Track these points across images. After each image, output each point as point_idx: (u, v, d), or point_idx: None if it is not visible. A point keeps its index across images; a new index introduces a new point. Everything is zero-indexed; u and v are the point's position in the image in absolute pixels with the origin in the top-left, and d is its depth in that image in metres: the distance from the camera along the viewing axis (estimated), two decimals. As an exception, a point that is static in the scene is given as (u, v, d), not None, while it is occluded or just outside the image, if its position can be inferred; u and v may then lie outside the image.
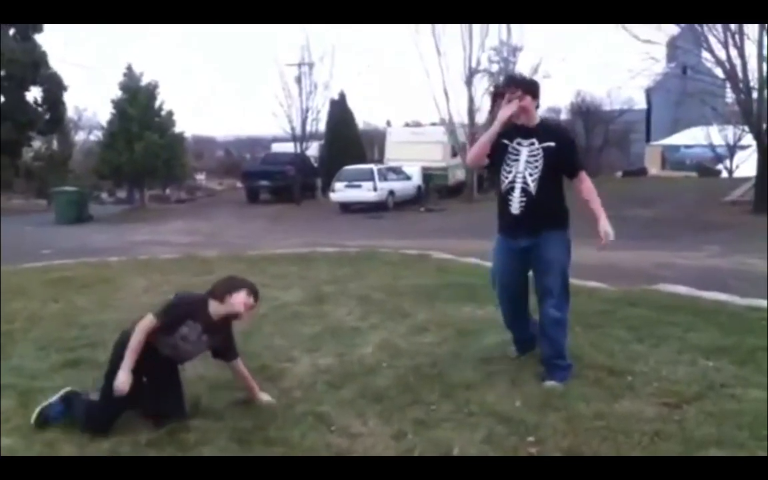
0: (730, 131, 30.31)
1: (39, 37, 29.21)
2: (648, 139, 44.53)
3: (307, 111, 27.12)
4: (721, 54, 17.35)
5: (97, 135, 34.67)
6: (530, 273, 4.28)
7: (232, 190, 33.20)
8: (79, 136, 45.08)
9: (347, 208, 22.23)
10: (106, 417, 3.57)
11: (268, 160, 29.72)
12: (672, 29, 18.65)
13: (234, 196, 29.77)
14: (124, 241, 15.88)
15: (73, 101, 53.56)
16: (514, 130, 4.13)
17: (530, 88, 4.15)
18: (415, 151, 25.64)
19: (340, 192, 22.62)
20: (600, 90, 42.18)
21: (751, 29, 16.77)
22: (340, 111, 29.87)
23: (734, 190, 21.22)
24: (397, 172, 24.18)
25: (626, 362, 4.29)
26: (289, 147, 28.64)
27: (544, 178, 4.02)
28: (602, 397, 3.77)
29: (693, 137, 35.66)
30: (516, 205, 4.07)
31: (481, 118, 25.82)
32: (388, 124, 36.57)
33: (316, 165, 29.91)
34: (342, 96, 29.99)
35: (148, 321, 3.60)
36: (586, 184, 4.18)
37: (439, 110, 25.69)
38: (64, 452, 3.30)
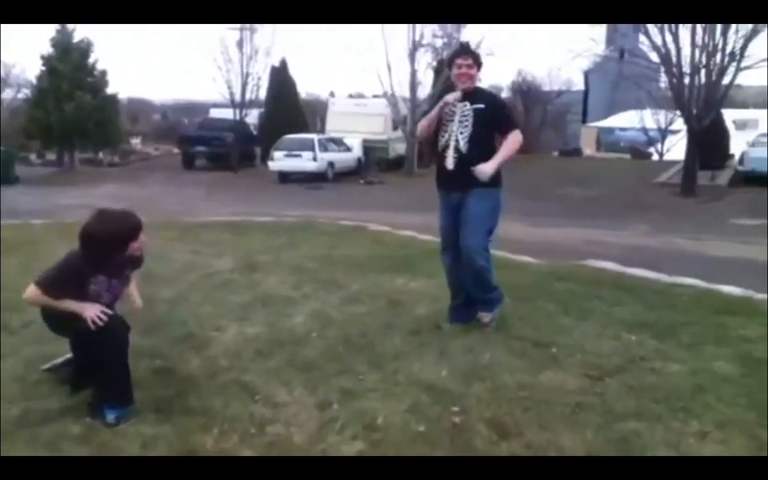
0: (662, 115, 31.22)
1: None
2: (584, 121, 45.51)
3: (247, 77, 26.51)
4: (657, 39, 17.78)
5: (25, 93, 33.01)
6: None
7: (169, 155, 32.23)
8: (6, 94, 42.87)
9: (286, 177, 21.91)
10: None
11: (206, 126, 28.94)
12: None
13: (170, 161, 28.91)
14: (51, 204, 15.27)
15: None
16: (449, 94, 4.49)
17: (478, 59, 4.51)
18: (356, 123, 25.41)
19: (279, 161, 22.24)
20: (541, 70, 42.75)
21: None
22: (281, 79, 29.32)
23: (664, 173, 21.93)
24: (338, 143, 23.94)
25: (552, 335, 4.35)
26: (228, 113, 27.98)
27: (474, 137, 4.35)
28: (527, 369, 3.81)
29: (627, 120, 36.61)
30: (450, 161, 4.42)
31: (423, 92, 25.85)
32: (332, 94, 36.15)
33: (255, 133, 29.35)
34: (284, 63, 29.44)
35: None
36: (508, 138, 4.39)
37: (381, 83, 25.55)
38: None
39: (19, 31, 77.13)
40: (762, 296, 5.42)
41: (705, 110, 17.72)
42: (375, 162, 25.01)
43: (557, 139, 42.73)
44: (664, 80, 22.01)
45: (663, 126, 32.00)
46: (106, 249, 3.38)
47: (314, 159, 21.80)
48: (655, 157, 32.91)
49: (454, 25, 26.12)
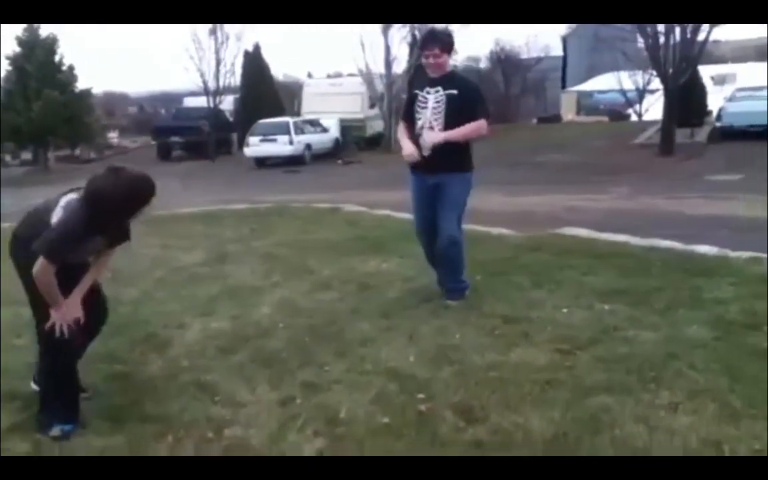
0: (639, 76, 31.10)
1: None
2: (564, 86, 45.34)
3: (219, 63, 26.09)
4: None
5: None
6: None
7: (146, 147, 31.73)
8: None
9: (263, 163, 21.64)
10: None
11: (180, 115, 28.54)
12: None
13: (147, 153, 28.45)
14: (22, 204, 14.93)
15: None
16: (423, 80, 4.55)
17: (446, 45, 4.44)
18: (332, 103, 25.10)
19: (255, 146, 21.93)
20: (518, 38, 42.55)
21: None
22: (255, 63, 28.87)
23: (642, 133, 21.86)
24: (314, 124, 23.65)
25: (523, 309, 4.26)
26: (202, 101, 27.58)
27: (447, 123, 4.34)
28: (497, 347, 3.71)
29: (606, 83, 36.47)
30: (426, 149, 4.40)
31: (399, 67, 25.57)
32: (309, 75, 35.78)
33: (231, 119, 28.98)
34: (257, 48, 28.97)
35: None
36: (475, 123, 4.36)
37: (356, 61, 25.24)
38: None
39: (-14, 30, 75.37)
40: (737, 254, 5.35)
41: (681, 68, 17.63)
42: (353, 141, 24.76)
43: (538, 107, 42.64)
44: (641, 40, 21.84)
45: (641, 86, 31.91)
46: (117, 213, 3.02)
47: (290, 142, 21.53)
48: (634, 118, 32.83)
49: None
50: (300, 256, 6.42)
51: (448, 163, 4.36)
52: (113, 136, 40.34)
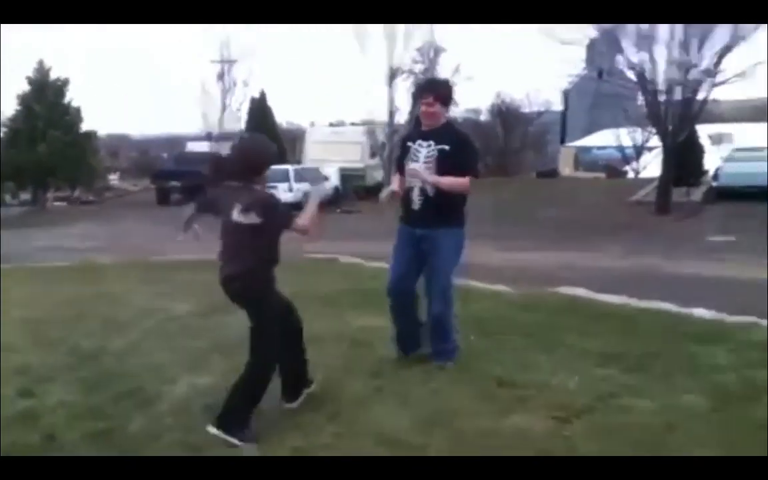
0: (638, 133, 31.39)
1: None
2: (563, 141, 45.76)
3: (225, 109, 26.41)
4: (634, 57, 17.85)
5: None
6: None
7: (148, 191, 31.80)
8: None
9: (262, 209, 21.68)
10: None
11: (181, 160, 28.70)
12: (591, 32, 19.04)
13: (147, 197, 28.51)
14: (18, 246, 14.88)
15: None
16: (417, 133, 4.49)
17: (442, 94, 4.39)
18: (334, 151, 25.31)
19: (254, 193, 22.01)
20: (519, 92, 43.12)
21: (662, 33, 17.29)
22: (259, 109, 29.21)
23: (639, 191, 21.95)
24: (315, 172, 23.80)
25: (519, 372, 4.17)
26: (204, 146, 27.79)
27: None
28: (492, 412, 3.61)
29: (605, 139, 36.83)
30: (416, 203, 4.34)
31: (402, 117, 25.86)
32: (312, 124, 36.14)
33: (233, 165, 29.13)
34: (263, 94, 29.35)
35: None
36: (463, 178, 4.25)
37: (359, 110, 25.55)
38: None
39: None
40: (734, 319, 5.30)
41: (680, 126, 17.79)
42: (352, 190, 24.86)
43: (537, 160, 42.97)
44: (641, 98, 22.13)
45: (639, 143, 32.20)
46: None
47: (290, 189, 21.60)
48: (631, 175, 33.07)
49: (433, 50, 26.24)
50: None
51: (438, 216, 4.25)
52: (114, 179, 40.55)
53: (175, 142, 46.96)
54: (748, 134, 32.57)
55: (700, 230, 13.80)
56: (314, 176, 23.49)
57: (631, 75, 19.41)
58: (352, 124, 28.59)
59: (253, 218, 3.46)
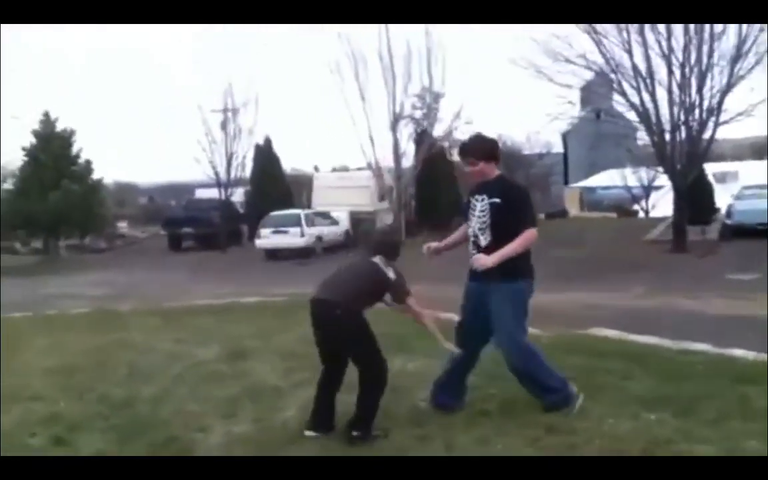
0: (643, 172, 31.49)
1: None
2: (566, 182, 45.92)
3: (231, 156, 26.53)
4: (635, 98, 17.95)
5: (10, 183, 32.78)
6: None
7: (156, 237, 31.87)
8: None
9: (274, 254, 21.64)
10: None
11: (191, 206, 28.81)
12: (586, 75, 19.17)
13: (157, 243, 28.59)
14: (33, 294, 14.84)
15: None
16: (476, 186, 4.45)
17: (478, 153, 4.37)
18: (342, 196, 25.38)
19: (266, 238, 22.00)
20: (519, 134, 43.30)
21: (662, 75, 17.45)
22: (265, 156, 29.32)
23: (653, 230, 21.87)
24: (325, 216, 23.83)
25: (566, 418, 4.04)
26: (213, 193, 27.88)
27: (492, 231, 4.24)
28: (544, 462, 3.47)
29: (609, 179, 36.94)
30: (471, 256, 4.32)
31: (407, 162, 25.94)
32: (316, 169, 36.33)
33: (241, 211, 29.22)
34: (268, 141, 29.50)
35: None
36: (523, 235, 4.19)
37: (365, 155, 25.61)
38: None
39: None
40: (777, 360, 5.17)
41: (689, 166, 17.80)
42: (363, 233, 24.85)
43: (543, 201, 43.02)
44: (641, 138, 22.22)
45: (646, 183, 32.27)
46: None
47: (302, 234, 21.60)
48: (641, 214, 33.07)
49: (433, 97, 26.47)
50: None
51: (491, 272, 4.15)
52: (123, 226, 40.70)
53: (181, 190, 47.29)
54: (751, 172, 32.72)
55: (720, 268, 13.65)
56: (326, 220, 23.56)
57: (631, 115, 19.48)
58: (359, 169, 28.67)
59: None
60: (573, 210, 36.83)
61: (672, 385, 4.55)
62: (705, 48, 16.79)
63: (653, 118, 17.89)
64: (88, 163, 28.24)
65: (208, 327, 8.20)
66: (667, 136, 17.99)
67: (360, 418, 4.05)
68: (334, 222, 24.07)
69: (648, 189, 32.65)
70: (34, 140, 27.57)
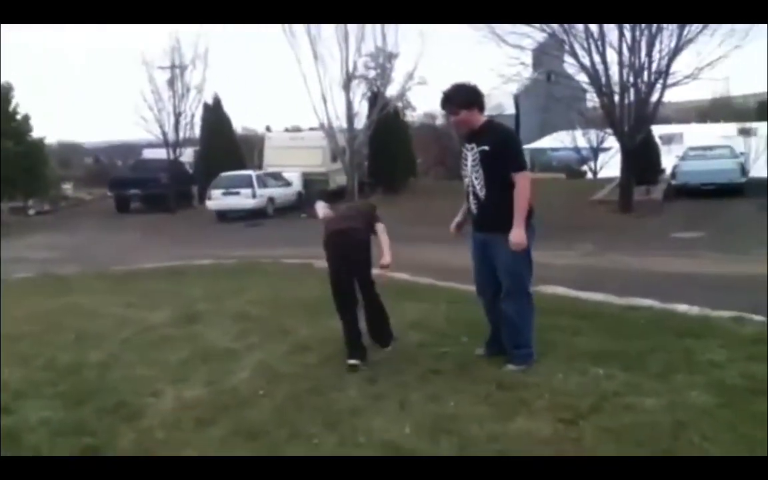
0: (593, 134, 31.97)
1: None
2: (518, 143, 46.20)
3: (179, 115, 25.80)
4: (585, 60, 18.11)
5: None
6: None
7: (102, 199, 30.93)
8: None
9: (225, 216, 21.30)
10: None
11: (139, 167, 28.00)
12: (539, 36, 19.22)
13: (104, 206, 27.75)
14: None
15: None
16: (466, 136, 4.41)
17: (461, 102, 4.31)
18: (294, 157, 25.03)
19: (217, 200, 21.60)
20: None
21: (613, 36, 17.62)
22: (215, 115, 28.64)
23: (600, 190, 22.30)
24: (277, 177, 23.49)
25: (517, 374, 4.10)
26: (162, 153, 27.15)
27: (487, 180, 4.22)
28: (495, 416, 3.54)
29: (559, 140, 37.40)
30: (473, 207, 4.37)
31: (360, 122, 25.71)
32: (268, 129, 35.66)
33: (191, 172, 28.58)
34: (217, 100, 28.78)
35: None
36: (517, 185, 4.16)
37: (317, 115, 25.26)
38: None
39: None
40: (718, 313, 5.35)
41: (636, 127, 18.12)
42: (315, 195, 24.64)
43: (495, 163, 43.31)
44: (591, 100, 22.50)
45: (595, 144, 32.78)
46: None
47: (253, 195, 21.29)
48: (589, 175, 33.63)
49: (386, 57, 26.22)
50: (275, 315, 6.20)
51: (494, 220, 4.21)
52: (68, 188, 39.41)
53: (128, 150, 45.99)
54: (695, 135, 33.64)
55: (665, 228, 14.02)
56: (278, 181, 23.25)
57: (582, 77, 19.66)
58: (311, 129, 28.25)
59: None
60: (523, 171, 37.11)
61: (620, 341, 4.66)
62: (655, 10, 16.96)
63: (603, 80, 18.11)
64: (26, 118, 27.04)
65: (159, 290, 8.05)
66: (616, 98, 18.27)
67: (381, 329, 4.93)
68: (287, 183, 23.77)
69: (596, 150, 33.18)
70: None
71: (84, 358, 4.99)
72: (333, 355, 4.80)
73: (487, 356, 4.50)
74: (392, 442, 3.30)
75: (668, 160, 23.91)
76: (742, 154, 23.34)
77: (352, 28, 24.02)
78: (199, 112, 27.03)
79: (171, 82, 25.81)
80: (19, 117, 26.93)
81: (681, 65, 17.73)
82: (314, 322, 5.80)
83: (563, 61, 21.88)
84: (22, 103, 27.54)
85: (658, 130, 27.52)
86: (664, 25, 16.88)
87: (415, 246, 10.53)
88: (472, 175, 4.27)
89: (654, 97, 18.23)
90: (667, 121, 40.31)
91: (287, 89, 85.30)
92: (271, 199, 21.95)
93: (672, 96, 27.02)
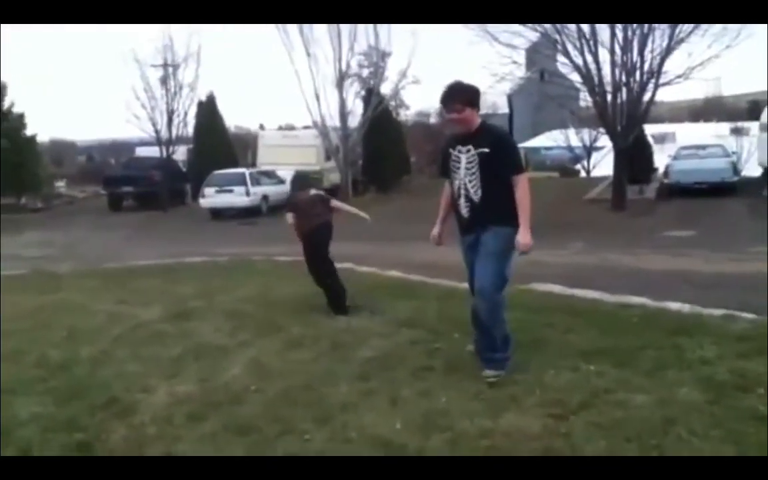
0: (586, 133, 32.04)
1: None
2: (511, 142, 46.22)
3: (172, 113, 25.72)
4: (578, 59, 18.15)
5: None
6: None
7: (95, 197, 30.84)
8: None
9: (218, 214, 21.26)
10: None
11: (132, 165, 27.93)
12: (531, 36, 19.26)
13: (96, 203, 27.69)
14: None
15: None
16: (455, 138, 4.28)
17: (468, 99, 4.16)
18: (288, 155, 24.97)
19: (211, 197, 21.55)
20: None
21: (605, 35, 17.68)
22: (208, 113, 28.57)
23: (593, 189, 22.36)
24: (271, 176, 23.45)
25: (507, 371, 4.11)
26: (155, 151, 27.08)
27: (484, 183, 4.11)
28: (486, 412, 3.55)
29: (552, 139, 37.46)
30: (464, 210, 4.23)
31: (354, 121, 25.71)
32: (261, 127, 35.65)
33: (184, 170, 28.52)
34: (210, 98, 28.72)
35: None
36: (519, 189, 4.10)
37: (311, 113, 25.25)
38: None
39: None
40: (709, 311, 5.37)
41: (629, 127, 18.18)
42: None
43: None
44: (584, 99, 22.55)
45: (588, 143, 32.85)
46: None
47: (247, 193, 21.25)
48: (583, 174, 33.72)
49: (380, 55, 26.24)
50: (267, 312, 6.19)
51: (484, 218, 4.11)
52: (61, 185, 39.23)
53: (121, 148, 45.83)
54: (687, 134, 33.76)
55: (657, 226, 14.07)
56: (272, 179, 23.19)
57: (575, 76, 19.70)
58: (305, 127, 28.23)
59: None
60: (518, 170, 37.13)
61: (611, 338, 4.67)
62: (647, 10, 17.02)
63: (596, 80, 18.16)
64: (20, 116, 26.94)
65: (151, 288, 8.04)
66: (609, 98, 18.32)
67: (337, 301, 6.09)
68: (280, 181, 23.72)
69: (589, 149, 33.26)
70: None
71: (75, 354, 4.99)
72: (324, 352, 4.81)
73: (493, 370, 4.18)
74: (383, 437, 3.31)
75: (661, 159, 23.99)
76: (734, 153, 23.43)
77: (344, 27, 24.06)
78: (192, 110, 26.97)
79: (164, 80, 25.74)
80: (12, 115, 26.84)
81: (673, 65, 17.84)
82: (306, 319, 5.80)
83: (556, 60, 21.95)
84: (16, 100, 27.39)
85: (650, 130, 27.62)
86: (656, 25, 16.98)
87: (408, 244, 10.55)
88: (466, 178, 4.14)
89: (646, 97, 18.30)
90: (659, 120, 40.49)
91: (281, 87, 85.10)
92: (264, 197, 21.91)
93: (664, 95, 27.17)
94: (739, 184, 19.18)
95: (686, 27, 16.67)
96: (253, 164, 26.62)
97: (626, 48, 17.55)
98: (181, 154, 28.57)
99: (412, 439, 3.27)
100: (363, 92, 26.26)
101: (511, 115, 47.10)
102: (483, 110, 4.47)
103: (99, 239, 17.16)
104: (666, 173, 20.67)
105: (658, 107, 28.37)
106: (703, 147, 22.09)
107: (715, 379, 3.77)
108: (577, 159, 35.57)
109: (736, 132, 30.57)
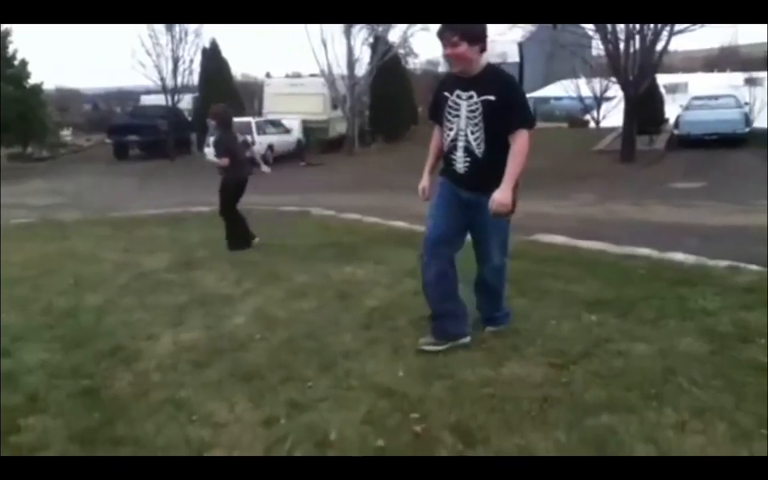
0: (597, 83, 31.55)
1: None
2: (521, 92, 45.69)
3: (177, 61, 25.46)
4: (591, 6, 17.78)
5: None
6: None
7: (101, 146, 30.75)
8: None
9: (224, 163, 21.19)
10: None
11: (137, 114, 27.88)
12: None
13: (102, 152, 27.63)
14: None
15: None
16: (454, 81, 3.68)
17: (468, 33, 3.53)
18: (294, 104, 24.75)
19: (216, 147, 21.48)
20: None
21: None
22: (213, 61, 28.26)
23: (602, 140, 22.15)
24: (276, 125, 23.29)
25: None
26: (160, 100, 26.90)
27: (488, 136, 3.54)
28: (488, 361, 3.56)
29: (562, 89, 36.93)
30: (460, 165, 3.66)
31: (361, 69, 25.39)
32: (268, 75, 35.23)
33: (190, 119, 28.36)
34: (214, 45, 28.35)
35: None
36: (517, 142, 3.50)
37: (318, 61, 24.94)
38: None
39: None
40: (714, 263, 5.35)
41: (641, 76, 17.90)
42: (315, 143, 24.46)
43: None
44: (596, 48, 22.15)
45: (598, 94, 32.39)
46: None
47: (252, 143, 21.12)
48: (592, 124, 33.33)
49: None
50: (272, 261, 6.21)
51: (489, 181, 3.50)
52: (67, 134, 39.12)
53: (126, 96, 45.55)
54: (700, 84, 33.18)
55: (665, 177, 13.96)
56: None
57: (588, 25, 19.31)
58: (312, 75, 27.85)
59: None
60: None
61: (614, 288, 4.67)
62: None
63: (608, 27, 17.81)
64: (24, 63, 26.74)
65: (157, 236, 8.08)
66: (621, 46, 18.00)
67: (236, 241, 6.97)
68: (286, 130, 23.60)
69: (599, 100, 32.79)
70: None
71: (82, 302, 5.03)
72: (328, 302, 4.83)
73: (443, 341, 3.81)
74: (385, 385, 3.33)
75: (672, 110, 23.66)
76: (746, 104, 23.06)
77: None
78: (197, 58, 26.69)
79: (169, 27, 25.41)
80: (16, 62, 26.62)
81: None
82: (310, 268, 5.81)
83: (569, 6, 21.49)
84: (19, 48, 27.15)
85: (662, 80, 27.20)
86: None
87: (415, 195, 10.51)
88: (468, 129, 3.57)
89: (659, 46, 17.98)
90: (673, 70, 39.74)
91: (287, 35, 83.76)
92: (270, 147, 21.79)
93: (678, 44, 26.60)
94: (750, 135, 18.93)
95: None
96: (259, 113, 26.42)
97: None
98: (186, 102, 28.39)
99: (413, 387, 3.30)
100: (371, 39, 25.83)
101: (521, 64, 46.40)
102: (492, 59, 3.85)
103: (105, 188, 17.18)
104: (676, 124, 20.42)
105: (671, 57, 27.87)
106: (716, 97, 21.72)
107: (717, 329, 3.77)
108: (586, 109, 35.12)
109: (750, 82, 30.03)
